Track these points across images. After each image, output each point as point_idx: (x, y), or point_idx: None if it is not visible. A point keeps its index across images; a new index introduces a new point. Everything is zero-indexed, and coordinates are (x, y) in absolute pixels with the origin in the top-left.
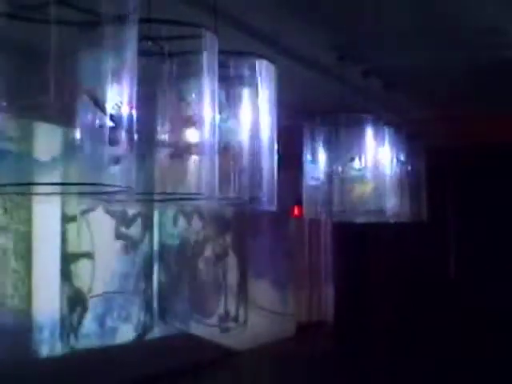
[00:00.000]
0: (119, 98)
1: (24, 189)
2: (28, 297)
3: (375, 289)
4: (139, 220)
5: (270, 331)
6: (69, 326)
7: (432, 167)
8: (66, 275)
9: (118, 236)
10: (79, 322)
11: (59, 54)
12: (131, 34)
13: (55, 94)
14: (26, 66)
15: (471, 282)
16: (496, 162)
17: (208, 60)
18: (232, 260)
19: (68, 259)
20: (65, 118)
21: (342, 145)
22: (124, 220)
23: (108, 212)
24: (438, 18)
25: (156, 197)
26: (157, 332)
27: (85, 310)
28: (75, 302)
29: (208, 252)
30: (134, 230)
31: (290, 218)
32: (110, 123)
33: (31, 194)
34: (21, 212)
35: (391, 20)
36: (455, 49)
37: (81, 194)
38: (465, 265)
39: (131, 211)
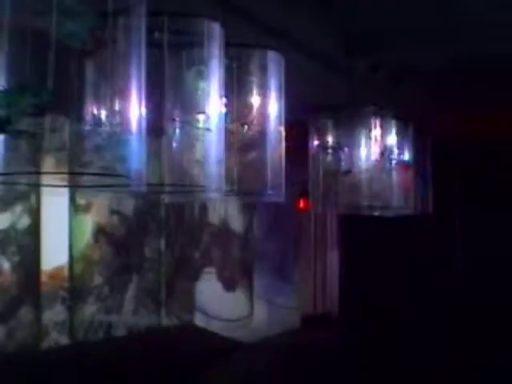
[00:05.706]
0: (129, 93)
1: (33, 179)
2: None
3: (380, 282)
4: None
5: (274, 324)
6: None
7: (439, 161)
8: None
9: None
10: None
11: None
12: (139, 26)
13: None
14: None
15: (477, 277)
16: (504, 157)
17: (214, 51)
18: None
19: None
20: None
21: (349, 138)
22: None
23: None
24: (448, 12)
25: (164, 189)
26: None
27: None
28: None
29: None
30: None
31: (295, 211)
32: (117, 118)
33: (41, 185)
34: None
35: (400, 14)
36: (465, 43)
37: (92, 186)
38: (471, 259)
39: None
